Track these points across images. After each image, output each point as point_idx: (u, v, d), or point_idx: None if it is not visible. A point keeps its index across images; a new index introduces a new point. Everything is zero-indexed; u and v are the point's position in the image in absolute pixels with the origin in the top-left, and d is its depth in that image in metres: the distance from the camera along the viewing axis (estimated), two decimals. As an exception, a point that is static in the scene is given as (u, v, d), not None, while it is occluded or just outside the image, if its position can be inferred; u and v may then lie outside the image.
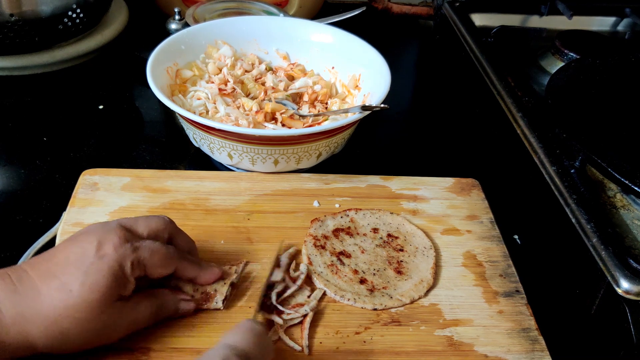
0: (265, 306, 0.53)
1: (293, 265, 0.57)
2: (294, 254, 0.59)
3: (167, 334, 0.50)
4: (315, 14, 1.09)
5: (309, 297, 0.55)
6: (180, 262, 0.50)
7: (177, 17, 0.90)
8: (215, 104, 0.72)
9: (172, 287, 0.52)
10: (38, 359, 0.44)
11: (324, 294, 0.56)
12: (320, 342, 0.51)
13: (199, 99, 0.73)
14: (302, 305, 0.53)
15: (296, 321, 0.53)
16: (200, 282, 0.52)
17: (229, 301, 0.53)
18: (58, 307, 0.43)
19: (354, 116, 0.66)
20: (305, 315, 0.53)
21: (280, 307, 0.53)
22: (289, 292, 0.54)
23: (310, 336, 0.52)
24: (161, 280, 0.50)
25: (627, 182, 0.60)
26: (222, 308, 0.52)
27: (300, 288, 0.55)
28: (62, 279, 0.44)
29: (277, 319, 0.51)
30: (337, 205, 0.66)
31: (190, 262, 0.51)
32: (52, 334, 0.43)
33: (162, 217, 0.52)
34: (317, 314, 0.54)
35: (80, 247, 0.46)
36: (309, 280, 0.57)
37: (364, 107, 0.66)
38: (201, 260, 0.54)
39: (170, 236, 0.51)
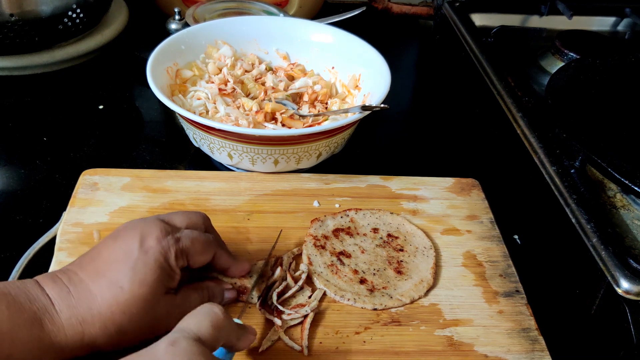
0: (267, 306, 0.53)
1: (293, 265, 0.57)
2: (297, 253, 0.59)
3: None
4: (315, 14, 1.09)
5: (309, 297, 0.55)
6: (218, 249, 0.51)
7: (177, 17, 0.91)
8: (215, 104, 0.72)
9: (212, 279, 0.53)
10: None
11: (324, 294, 0.56)
12: (320, 342, 0.51)
13: (199, 99, 0.73)
14: (303, 305, 0.53)
15: (297, 322, 0.53)
16: (231, 274, 0.53)
17: (231, 303, 0.54)
18: (111, 305, 0.44)
19: (354, 116, 0.66)
20: (305, 316, 0.53)
21: (280, 307, 0.53)
22: (290, 292, 0.54)
23: (310, 336, 0.52)
24: (200, 275, 0.52)
25: (627, 182, 0.60)
26: (257, 303, 0.53)
27: (301, 288, 0.55)
28: (111, 277, 0.45)
29: (277, 321, 0.51)
30: (337, 205, 0.66)
31: (226, 251, 0.52)
32: (109, 331, 0.44)
33: (199, 212, 0.53)
34: (317, 314, 0.54)
35: (124, 243, 0.46)
36: (309, 281, 0.57)
37: (364, 107, 0.66)
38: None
39: (206, 230, 0.52)
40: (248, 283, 0.53)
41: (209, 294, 0.51)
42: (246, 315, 0.52)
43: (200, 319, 0.42)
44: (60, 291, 0.44)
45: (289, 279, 0.55)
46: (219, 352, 0.44)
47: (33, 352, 0.42)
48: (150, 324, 0.46)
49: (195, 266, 0.50)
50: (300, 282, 0.55)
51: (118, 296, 0.44)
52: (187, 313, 0.48)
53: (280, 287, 0.54)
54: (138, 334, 0.46)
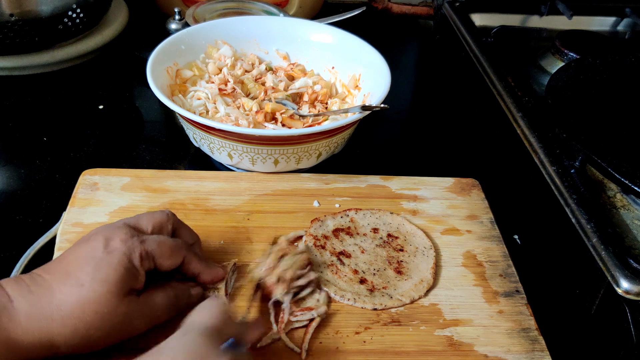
0: (278, 304, 0.53)
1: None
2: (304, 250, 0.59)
3: (164, 334, 0.49)
4: (315, 14, 1.09)
5: (318, 301, 0.54)
6: (188, 253, 0.51)
7: (177, 17, 0.90)
8: (215, 104, 0.72)
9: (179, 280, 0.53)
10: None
11: (329, 297, 0.55)
12: (320, 342, 0.51)
13: (199, 99, 0.73)
14: (311, 309, 0.53)
15: (302, 324, 0.52)
16: (203, 280, 0.52)
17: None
18: (72, 302, 0.44)
19: (354, 116, 0.66)
20: (311, 320, 0.53)
21: (284, 312, 0.52)
22: (303, 293, 0.54)
23: (311, 336, 0.51)
24: (169, 277, 0.51)
25: (627, 182, 0.60)
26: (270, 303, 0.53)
27: (313, 291, 0.55)
28: (73, 276, 0.45)
29: (274, 327, 0.51)
30: (337, 205, 0.66)
31: (196, 257, 0.52)
32: (70, 330, 0.44)
33: (164, 211, 0.52)
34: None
35: (89, 246, 0.47)
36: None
37: (364, 107, 0.66)
38: (206, 257, 0.54)
39: (174, 228, 0.52)
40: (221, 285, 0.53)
41: (174, 293, 0.50)
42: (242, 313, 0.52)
43: (203, 313, 0.43)
44: (20, 289, 0.44)
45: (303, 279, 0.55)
46: (229, 343, 0.44)
47: None
48: (116, 325, 0.45)
49: (163, 269, 0.49)
50: (312, 286, 0.55)
51: (79, 293, 0.44)
52: (153, 313, 0.48)
53: (294, 289, 0.54)
54: (104, 335, 0.45)
